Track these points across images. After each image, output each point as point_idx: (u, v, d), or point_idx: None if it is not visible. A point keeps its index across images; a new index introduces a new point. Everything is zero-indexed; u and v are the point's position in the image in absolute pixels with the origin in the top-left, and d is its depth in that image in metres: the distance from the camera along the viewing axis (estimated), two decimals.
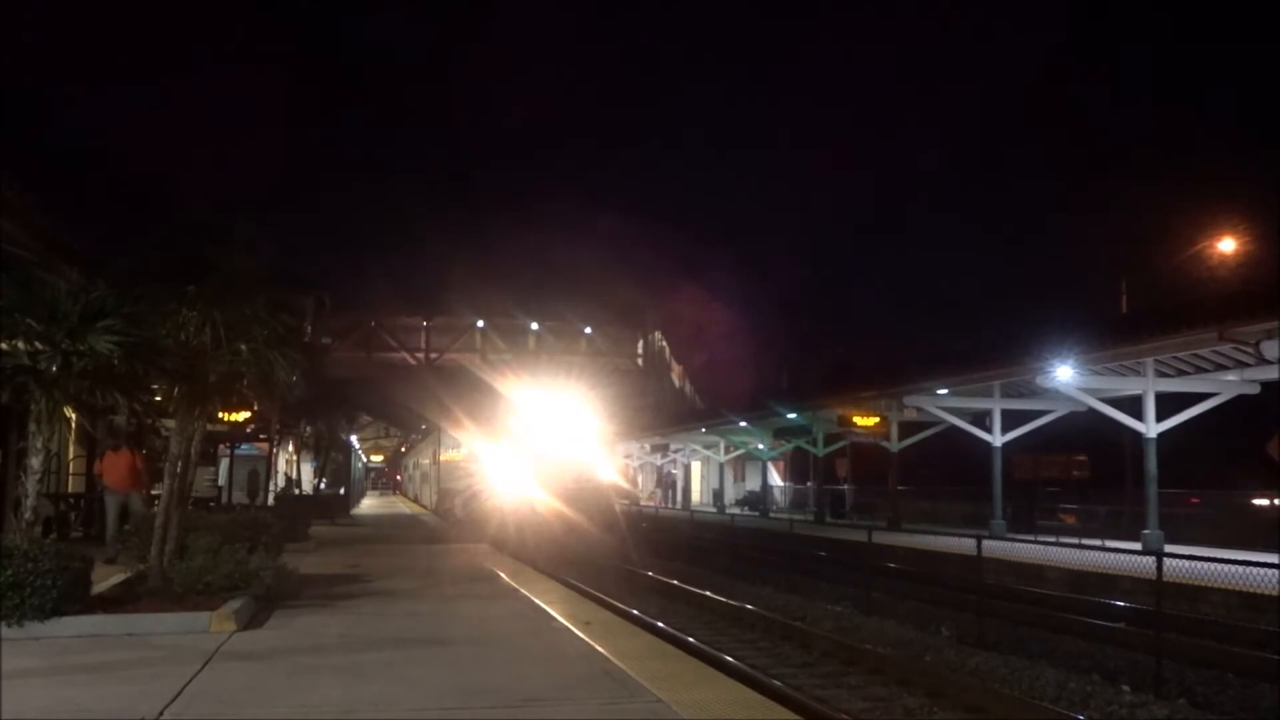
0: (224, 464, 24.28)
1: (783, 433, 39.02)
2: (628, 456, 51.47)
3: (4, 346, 9.17)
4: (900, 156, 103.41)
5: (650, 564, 21.00)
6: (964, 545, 15.76)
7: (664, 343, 61.48)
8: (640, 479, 56.26)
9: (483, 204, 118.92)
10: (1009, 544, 19.61)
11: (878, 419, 30.84)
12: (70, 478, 20.33)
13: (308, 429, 30.99)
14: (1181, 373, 21.70)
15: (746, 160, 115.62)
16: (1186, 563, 12.13)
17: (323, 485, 33.77)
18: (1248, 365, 19.98)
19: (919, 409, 29.09)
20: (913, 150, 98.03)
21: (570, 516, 22.07)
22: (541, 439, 23.85)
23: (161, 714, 5.75)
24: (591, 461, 23.93)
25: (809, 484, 42.87)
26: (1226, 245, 26.98)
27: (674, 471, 55.89)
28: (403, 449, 75.89)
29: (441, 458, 35.82)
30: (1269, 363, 17.95)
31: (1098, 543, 17.05)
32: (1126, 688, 10.20)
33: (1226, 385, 21.17)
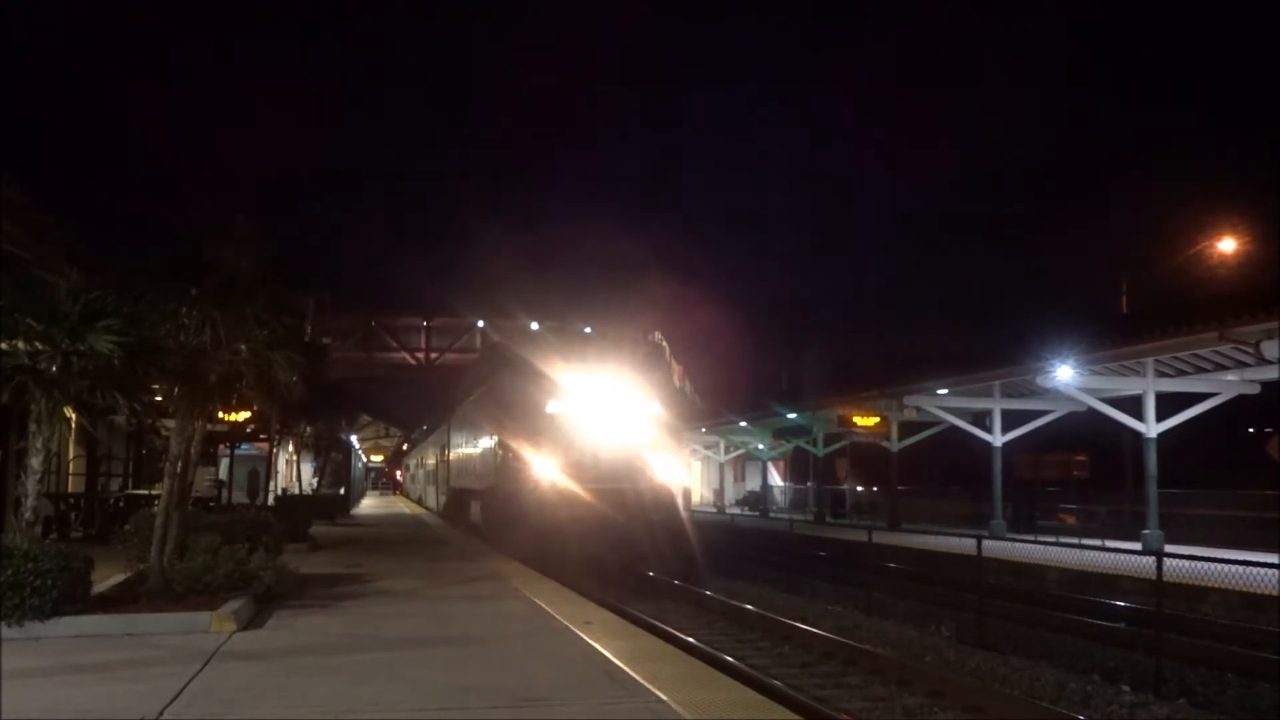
0: (224, 464, 24.28)
1: (783, 433, 39.01)
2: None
3: (4, 346, 9.17)
4: (903, 158, 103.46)
5: (649, 564, 20.92)
6: (964, 545, 15.76)
7: (664, 342, 61.46)
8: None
9: (483, 205, 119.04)
10: (1009, 544, 19.59)
11: (878, 419, 30.82)
12: (70, 478, 20.35)
13: (308, 429, 30.94)
14: (1181, 373, 21.68)
15: (749, 161, 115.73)
16: (1186, 563, 12.13)
17: (318, 486, 33.68)
18: (1248, 365, 19.96)
19: (919, 409, 29.04)
20: (916, 152, 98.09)
21: (620, 523, 18.08)
22: (584, 427, 19.10)
23: (161, 714, 5.76)
24: (648, 455, 19.28)
25: (809, 484, 42.84)
26: (1226, 245, 27.02)
27: None
28: (404, 447, 75.40)
29: (452, 455, 31.79)
30: (1269, 363, 17.94)
31: (1098, 543, 17.05)
32: (1126, 688, 10.20)
33: (1226, 385, 21.16)
